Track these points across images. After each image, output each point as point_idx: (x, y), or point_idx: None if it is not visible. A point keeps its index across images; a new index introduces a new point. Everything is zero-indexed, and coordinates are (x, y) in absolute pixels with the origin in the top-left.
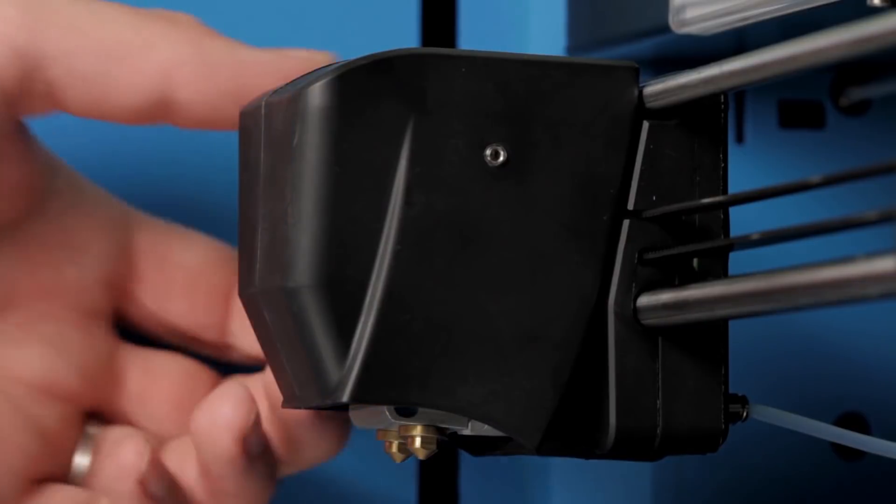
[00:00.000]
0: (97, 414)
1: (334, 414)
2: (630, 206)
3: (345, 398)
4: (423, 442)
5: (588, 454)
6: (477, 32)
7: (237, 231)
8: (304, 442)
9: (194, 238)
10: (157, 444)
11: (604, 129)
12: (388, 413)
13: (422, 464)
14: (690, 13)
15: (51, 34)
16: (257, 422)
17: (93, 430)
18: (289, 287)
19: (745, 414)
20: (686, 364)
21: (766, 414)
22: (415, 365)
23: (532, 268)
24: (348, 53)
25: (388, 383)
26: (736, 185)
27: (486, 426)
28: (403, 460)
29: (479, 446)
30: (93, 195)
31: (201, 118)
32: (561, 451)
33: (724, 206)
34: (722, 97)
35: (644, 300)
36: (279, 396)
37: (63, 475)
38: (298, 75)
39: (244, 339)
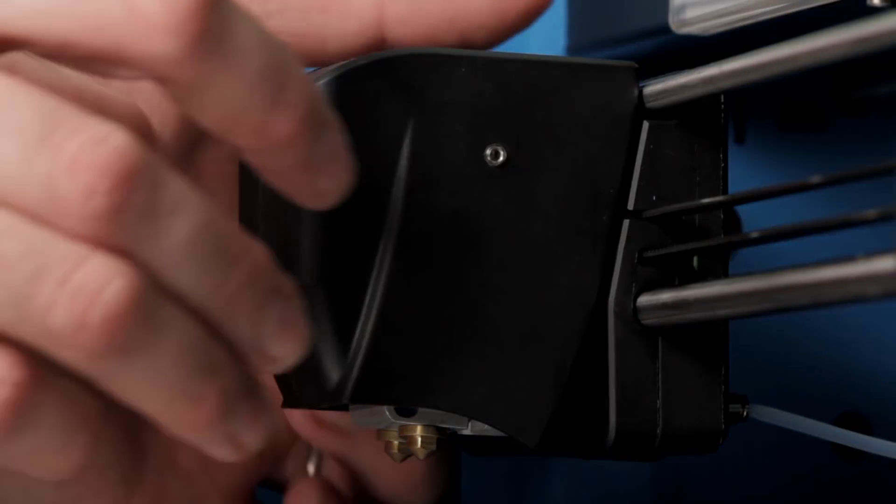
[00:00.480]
0: None
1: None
2: (630, 206)
3: (345, 399)
4: (423, 442)
5: (588, 454)
6: None
7: None
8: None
9: None
10: None
11: (604, 129)
12: (388, 413)
13: None
14: (690, 13)
15: None
16: None
17: None
18: None
19: (745, 414)
20: (686, 364)
21: (766, 414)
22: (415, 365)
23: (532, 268)
24: None
25: (388, 383)
26: (736, 185)
27: (486, 426)
28: (403, 460)
29: (479, 446)
30: None
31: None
32: (561, 451)
33: (724, 206)
34: (722, 97)
35: (644, 300)
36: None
37: None
38: (511, 10)
39: None
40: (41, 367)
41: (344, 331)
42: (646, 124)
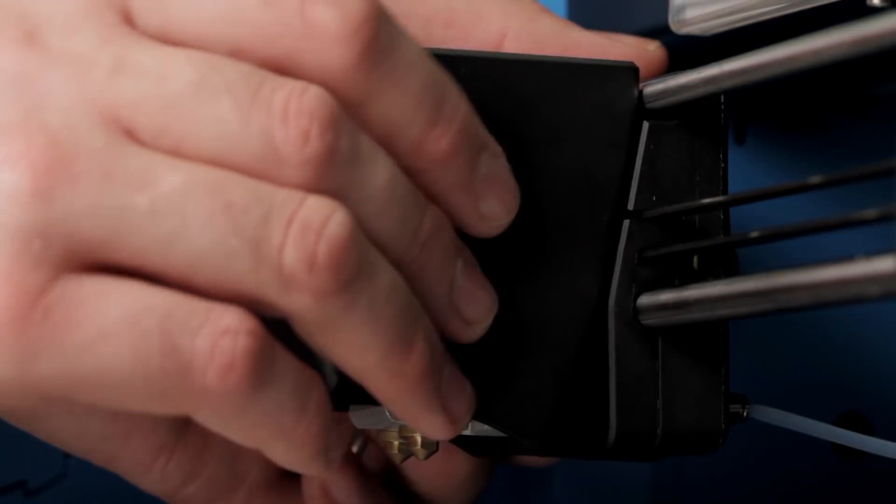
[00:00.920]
0: None
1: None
2: (630, 207)
3: (345, 400)
4: (423, 442)
5: (588, 454)
6: None
7: None
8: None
9: None
10: None
11: (604, 129)
12: (388, 413)
13: None
14: (690, 13)
15: None
16: None
17: None
18: None
19: (745, 414)
20: (686, 364)
21: (766, 414)
22: None
23: (532, 268)
24: None
25: None
26: (736, 185)
27: (486, 426)
28: (403, 461)
29: (480, 447)
30: None
31: None
32: (561, 451)
33: (724, 207)
34: (722, 97)
35: (644, 300)
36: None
37: None
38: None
39: None
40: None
41: None
42: (646, 124)
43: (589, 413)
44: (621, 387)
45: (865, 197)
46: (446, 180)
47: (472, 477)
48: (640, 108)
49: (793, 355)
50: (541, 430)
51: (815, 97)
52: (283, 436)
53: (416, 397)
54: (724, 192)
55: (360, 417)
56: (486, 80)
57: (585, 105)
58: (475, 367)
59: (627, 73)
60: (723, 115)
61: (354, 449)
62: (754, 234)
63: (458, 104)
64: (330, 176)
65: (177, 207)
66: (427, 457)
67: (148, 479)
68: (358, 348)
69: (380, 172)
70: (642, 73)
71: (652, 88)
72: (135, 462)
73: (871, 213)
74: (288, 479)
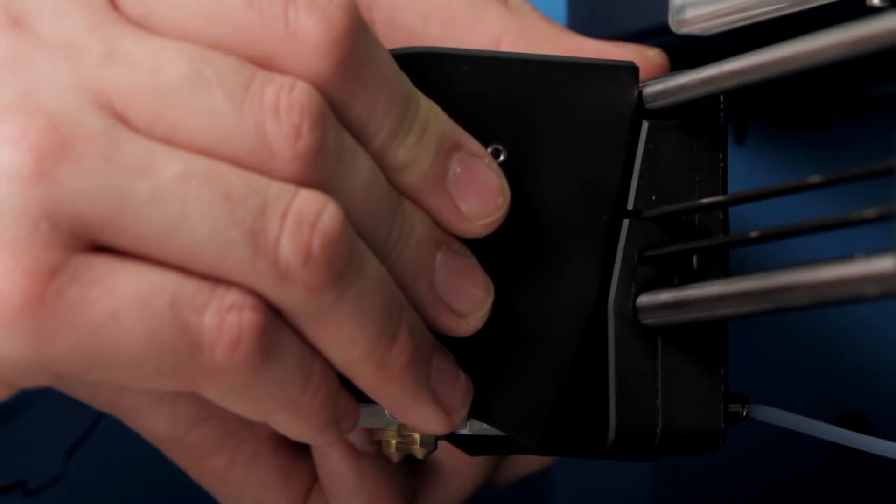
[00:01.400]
0: None
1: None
2: (630, 206)
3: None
4: (421, 441)
5: (588, 454)
6: None
7: None
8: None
9: None
10: None
11: (603, 128)
12: (386, 412)
13: None
14: (690, 13)
15: None
16: None
17: None
18: None
19: (745, 414)
20: (686, 364)
21: (766, 414)
22: None
23: (531, 267)
24: None
25: None
26: (736, 185)
27: (484, 425)
28: (401, 460)
29: (478, 446)
30: None
31: None
32: (561, 451)
33: (723, 206)
34: (721, 97)
35: (644, 300)
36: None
37: None
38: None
39: None
40: None
41: None
42: (645, 124)
43: (588, 413)
44: (621, 386)
45: (865, 197)
46: (414, 183)
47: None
48: (640, 108)
49: (793, 355)
50: (539, 428)
51: (815, 97)
52: (289, 407)
53: (403, 388)
54: (724, 191)
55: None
56: (487, 79)
57: (585, 104)
58: (473, 365)
59: (627, 72)
60: (722, 115)
61: None
62: (754, 234)
63: (424, 114)
64: (319, 170)
65: (177, 195)
66: (425, 455)
67: (155, 421)
68: (345, 340)
69: (362, 169)
70: (642, 78)
71: (652, 88)
72: (140, 403)
73: (870, 212)
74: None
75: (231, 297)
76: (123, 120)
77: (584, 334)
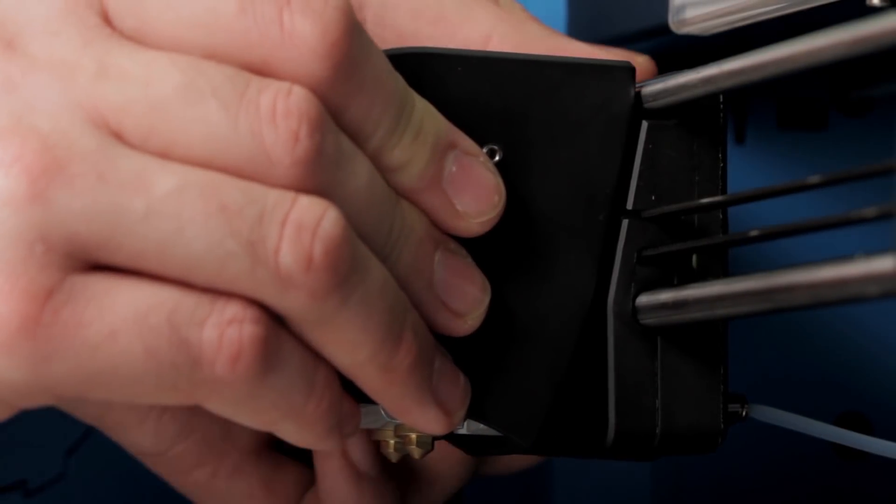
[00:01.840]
0: None
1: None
2: (629, 206)
3: None
4: (418, 441)
5: (587, 454)
6: None
7: None
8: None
9: None
10: None
11: (600, 128)
12: (383, 412)
13: None
14: (690, 13)
15: None
16: None
17: None
18: None
19: (744, 414)
20: (685, 364)
21: (766, 414)
22: None
23: (527, 266)
24: None
25: None
26: (736, 185)
27: (481, 425)
28: (399, 460)
29: (476, 446)
30: None
31: None
32: (560, 451)
33: (723, 206)
34: (721, 97)
35: (643, 300)
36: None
37: None
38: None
39: None
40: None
41: None
42: (645, 124)
43: (588, 412)
44: (620, 386)
45: (865, 197)
46: (410, 182)
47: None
48: (638, 108)
49: (793, 355)
50: (536, 429)
51: (815, 97)
52: (293, 416)
53: (406, 390)
54: (724, 191)
55: None
56: (482, 80)
57: (581, 104)
58: (470, 365)
59: (624, 72)
60: (722, 114)
61: None
62: (754, 234)
63: (420, 113)
64: (318, 175)
65: (172, 210)
66: (422, 455)
67: (138, 436)
68: (350, 344)
69: (361, 171)
70: None
71: (651, 88)
72: (125, 418)
73: (870, 212)
74: (277, 450)
75: (231, 310)
76: (118, 136)
77: (580, 334)
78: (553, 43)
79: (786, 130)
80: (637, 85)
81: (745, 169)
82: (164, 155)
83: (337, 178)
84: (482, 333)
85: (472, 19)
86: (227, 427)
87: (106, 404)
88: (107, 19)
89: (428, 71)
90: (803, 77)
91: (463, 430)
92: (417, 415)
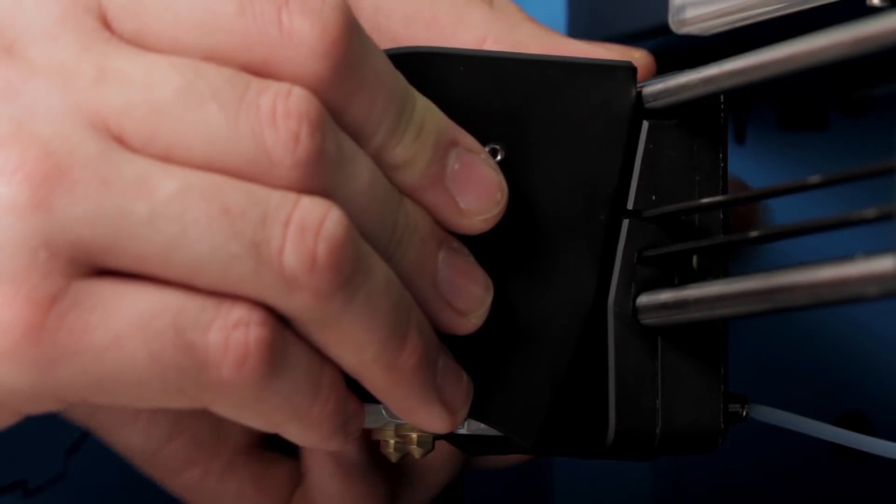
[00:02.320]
0: None
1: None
2: (629, 206)
3: None
4: (419, 441)
5: (587, 454)
6: None
7: None
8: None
9: None
10: None
11: (601, 128)
12: (383, 411)
13: None
14: (690, 13)
15: None
16: None
17: None
18: None
19: (744, 414)
20: (685, 364)
21: (766, 414)
22: None
23: (527, 266)
24: None
25: None
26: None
27: (481, 425)
28: (399, 460)
29: (476, 446)
30: None
31: None
32: (560, 451)
33: (723, 206)
34: (722, 97)
35: (643, 300)
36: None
37: None
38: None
39: None
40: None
41: None
42: (645, 124)
43: (588, 412)
44: (620, 386)
45: (865, 197)
46: (413, 180)
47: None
48: (639, 108)
49: (793, 355)
50: (536, 429)
51: (815, 97)
52: (299, 417)
53: (411, 390)
54: (724, 191)
55: None
56: (483, 79)
57: (582, 104)
58: (470, 364)
59: (625, 72)
60: (722, 114)
61: None
62: (754, 234)
63: (421, 111)
64: (320, 176)
65: (175, 214)
66: (423, 455)
67: (129, 436)
68: (355, 344)
69: (363, 171)
70: None
71: (651, 88)
72: (116, 418)
73: (870, 212)
74: (268, 447)
75: (237, 313)
76: (120, 140)
77: (581, 334)
78: (549, 42)
79: (786, 130)
80: (638, 85)
81: (745, 169)
82: (166, 158)
83: (339, 178)
84: (482, 333)
85: (465, 22)
86: (217, 427)
87: (95, 406)
88: (105, 23)
89: (429, 70)
90: (803, 77)
91: (463, 430)
92: (422, 414)
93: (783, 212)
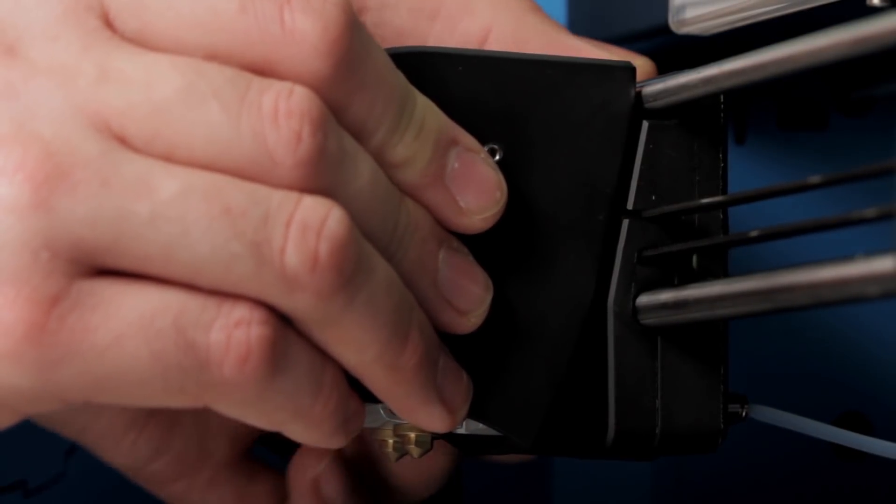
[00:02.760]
0: None
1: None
2: (629, 206)
3: None
4: (417, 441)
5: (587, 454)
6: None
7: None
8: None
9: None
10: None
11: (600, 128)
12: (382, 412)
13: None
14: (690, 13)
15: None
16: None
17: None
18: None
19: (744, 414)
20: (685, 364)
21: (766, 414)
22: None
23: (527, 266)
24: None
25: None
26: (736, 185)
27: (480, 425)
28: (398, 459)
29: (475, 446)
30: None
31: None
32: (560, 451)
33: (723, 207)
34: (722, 97)
35: (643, 300)
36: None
37: None
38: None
39: None
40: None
41: None
42: (645, 124)
43: (587, 412)
44: (620, 386)
45: (865, 197)
46: (413, 179)
47: (445, 473)
48: (639, 108)
49: (793, 355)
50: (535, 429)
51: (816, 97)
52: (301, 416)
53: (412, 389)
54: (724, 191)
55: None
56: (482, 79)
57: (582, 104)
58: (470, 364)
59: (625, 72)
60: (722, 114)
61: None
62: (754, 234)
63: (421, 110)
64: (321, 175)
65: (177, 214)
66: (422, 455)
67: (116, 453)
68: (357, 344)
69: (364, 170)
70: None
71: (651, 88)
72: (105, 435)
73: (871, 212)
74: (253, 461)
75: (239, 312)
76: (121, 140)
77: (580, 334)
78: (553, 36)
79: (786, 130)
80: (638, 85)
81: (745, 169)
82: (167, 158)
83: (340, 178)
84: (482, 333)
85: (470, 12)
86: (202, 444)
87: (86, 423)
88: (107, 22)
89: (429, 70)
90: (803, 77)
91: (462, 430)
92: (422, 413)
93: (783, 212)
